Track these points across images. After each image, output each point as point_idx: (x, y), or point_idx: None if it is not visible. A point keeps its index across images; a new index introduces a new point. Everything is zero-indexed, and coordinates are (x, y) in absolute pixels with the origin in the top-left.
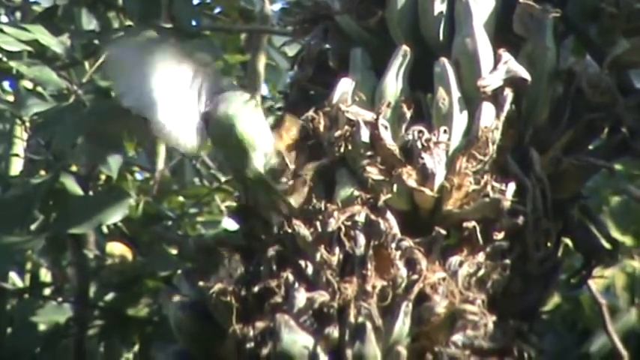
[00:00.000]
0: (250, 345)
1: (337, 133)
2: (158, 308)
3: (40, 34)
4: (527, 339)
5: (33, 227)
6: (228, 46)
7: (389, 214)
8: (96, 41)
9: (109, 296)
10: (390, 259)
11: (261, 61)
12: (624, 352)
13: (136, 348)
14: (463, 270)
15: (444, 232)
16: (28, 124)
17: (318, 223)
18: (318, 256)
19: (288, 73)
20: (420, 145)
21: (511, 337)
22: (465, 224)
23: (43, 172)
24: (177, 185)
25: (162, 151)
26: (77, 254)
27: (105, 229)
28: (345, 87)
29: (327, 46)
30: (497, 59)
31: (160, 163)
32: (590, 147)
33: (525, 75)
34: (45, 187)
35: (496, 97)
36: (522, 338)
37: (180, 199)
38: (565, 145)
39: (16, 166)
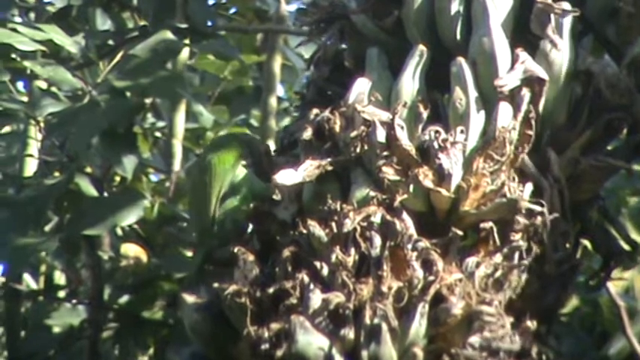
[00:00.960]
0: (265, 346)
1: (353, 134)
2: (173, 310)
3: (55, 34)
4: (545, 341)
5: (47, 228)
6: (243, 46)
7: (405, 215)
8: (110, 41)
9: (124, 298)
10: (406, 260)
11: (277, 62)
12: None
13: (151, 351)
14: (480, 271)
15: (460, 232)
16: (42, 124)
17: (333, 224)
18: (333, 257)
19: (304, 74)
20: (436, 146)
21: (529, 339)
22: (481, 225)
23: (57, 173)
24: None
25: (178, 152)
26: (92, 256)
27: (119, 231)
28: (361, 87)
29: (344, 46)
30: (514, 59)
31: (176, 165)
32: (609, 147)
33: (543, 75)
34: (59, 188)
35: (513, 97)
36: (540, 340)
37: None
38: (583, 145)
39: (31, 167)
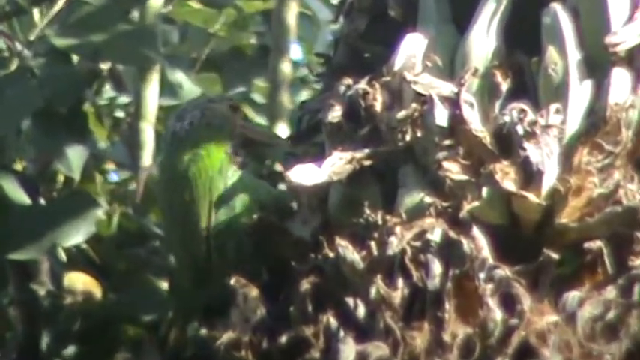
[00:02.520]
0: None
1: (401, 114)
2: None
3: None
4: None
5: None
6: None
7: (476, 231)
8: None
9: (69, 350)
10: (478, 296)
11: (292, 10)
12: None
13: None
14: (584, 311)
15: (556, 255)
16: None
17: (372, 244)
18: (373, 290)
19: (329, 28)
20: (521, 131)
21: None
22: (586, 245)
23: None
24: None
25: (148, 140)
26: (23, 290)
27: (63, 254)
28: (412, 47)
29: None
30: (633, 4)
31: (146, 158)
32: None
33: None
34: None
35: (632, 61)
36: None
37: None
38: None
39: None
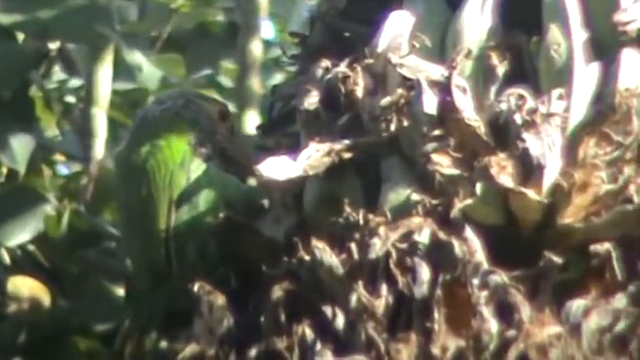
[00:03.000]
0: None
1: (385, 101)
2: None
3: None
4: None
5: None
6: None
7: (469, 232)
8: None
9: None
10: (471, 304)
11: None
12: None
13: None
14: (590, 322)
15: (558, 259)
16: None
17: (353, 246)
18: (353, 298)
19: (306, 4)
20: (519, 120)
21: None
22: (593, 247)
23: None
24: None
25: (101, 128)
26: None
27: (6, 256)
28: (398, 25)
29: None
30: None
31: (99, 149)
32: None
33: None
34: None
35: None
36: None
37: None
38: None
39: None
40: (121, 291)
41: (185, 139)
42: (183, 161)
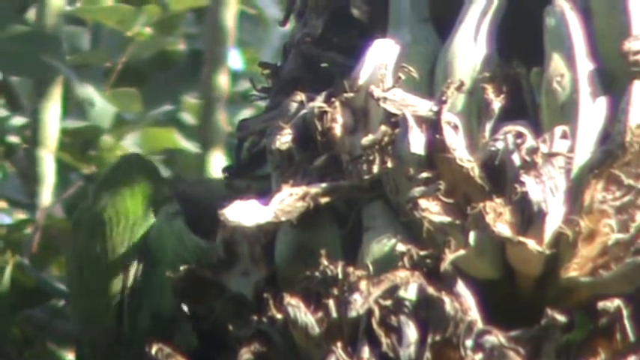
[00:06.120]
0: None
1: (367, 139)
2: None
3: None
4: None
5: None
6: None
7: (461, 287)
8: None
9: None
10: None
11: (231, 8)
12: None
13: None
14: None
15: (562, 318)
16: None
17: (331, 303)
18: None
19: (279, 30)
20: (518, 161)
21: None
22: (601, 304)
23: None
24: None
25: (48, 172)
26: None
27: None
28: (381, 55)
29: None
30: None
31: (45, 195)
32: None
33: None
34: None
35: None
36: None
37: None
38: None
39: None
40: (69, 356)
41: (147, 189)
42: (145, 212)
